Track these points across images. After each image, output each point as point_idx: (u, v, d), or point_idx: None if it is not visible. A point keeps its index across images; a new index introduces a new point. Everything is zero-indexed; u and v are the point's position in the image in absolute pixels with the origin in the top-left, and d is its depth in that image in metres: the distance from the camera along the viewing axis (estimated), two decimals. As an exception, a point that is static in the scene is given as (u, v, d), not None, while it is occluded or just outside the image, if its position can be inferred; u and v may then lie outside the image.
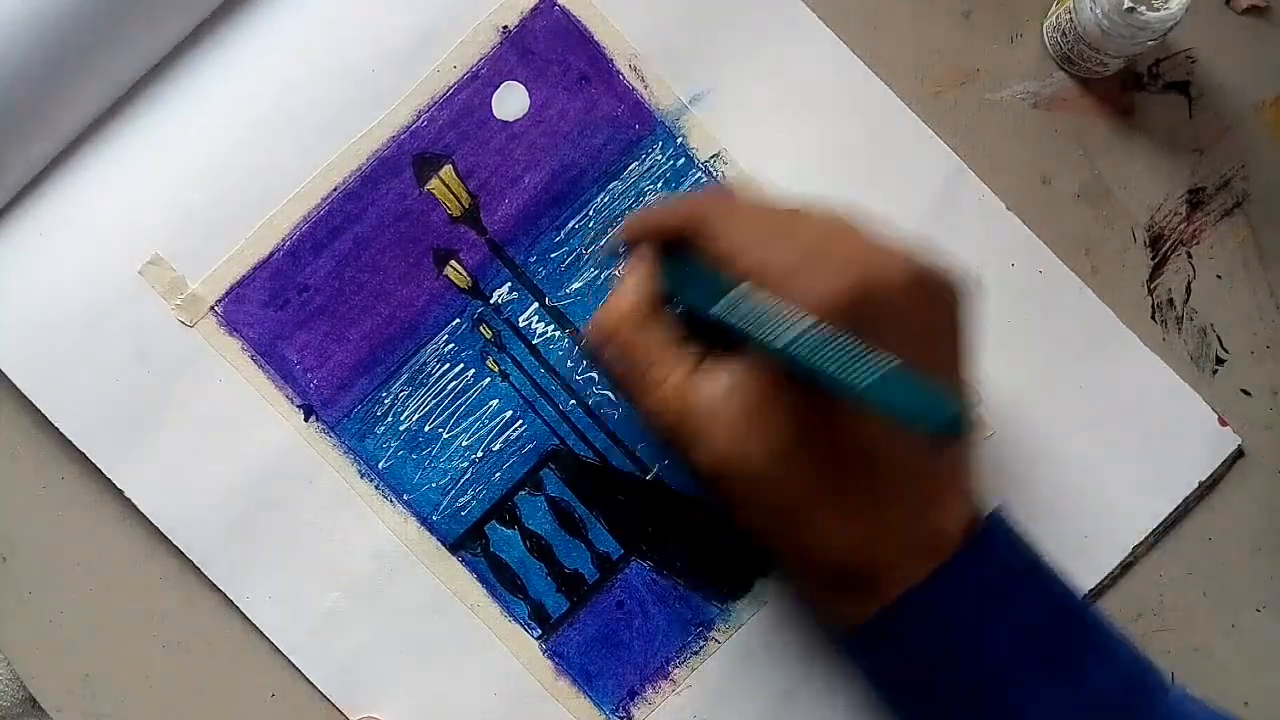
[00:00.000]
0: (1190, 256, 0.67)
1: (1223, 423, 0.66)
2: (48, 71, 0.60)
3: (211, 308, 0.65)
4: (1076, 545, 0.65)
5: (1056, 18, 0.66)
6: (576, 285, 0.66)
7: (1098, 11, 0.61)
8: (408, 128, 0.66)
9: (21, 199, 0.64)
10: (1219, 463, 0.66)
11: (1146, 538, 0.65)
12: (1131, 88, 0.67)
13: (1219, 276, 0.67)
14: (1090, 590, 0.65)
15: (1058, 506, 0.65)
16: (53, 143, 0.64)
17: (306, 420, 0.65)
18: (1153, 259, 0.67)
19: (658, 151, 0.66)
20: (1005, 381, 0.66)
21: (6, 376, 0.64)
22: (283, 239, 0.65)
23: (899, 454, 0.54)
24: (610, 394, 0.66)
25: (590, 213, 0.66)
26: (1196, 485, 0.66)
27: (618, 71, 0.66)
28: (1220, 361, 0.66)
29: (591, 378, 0.66)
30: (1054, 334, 0.66)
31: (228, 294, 0.65)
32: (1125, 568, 0.66)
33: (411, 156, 0.66)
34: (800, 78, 0.67)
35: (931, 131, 0.66)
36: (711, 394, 0.55)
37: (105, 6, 0.60)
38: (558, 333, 0.66)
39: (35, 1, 0.59)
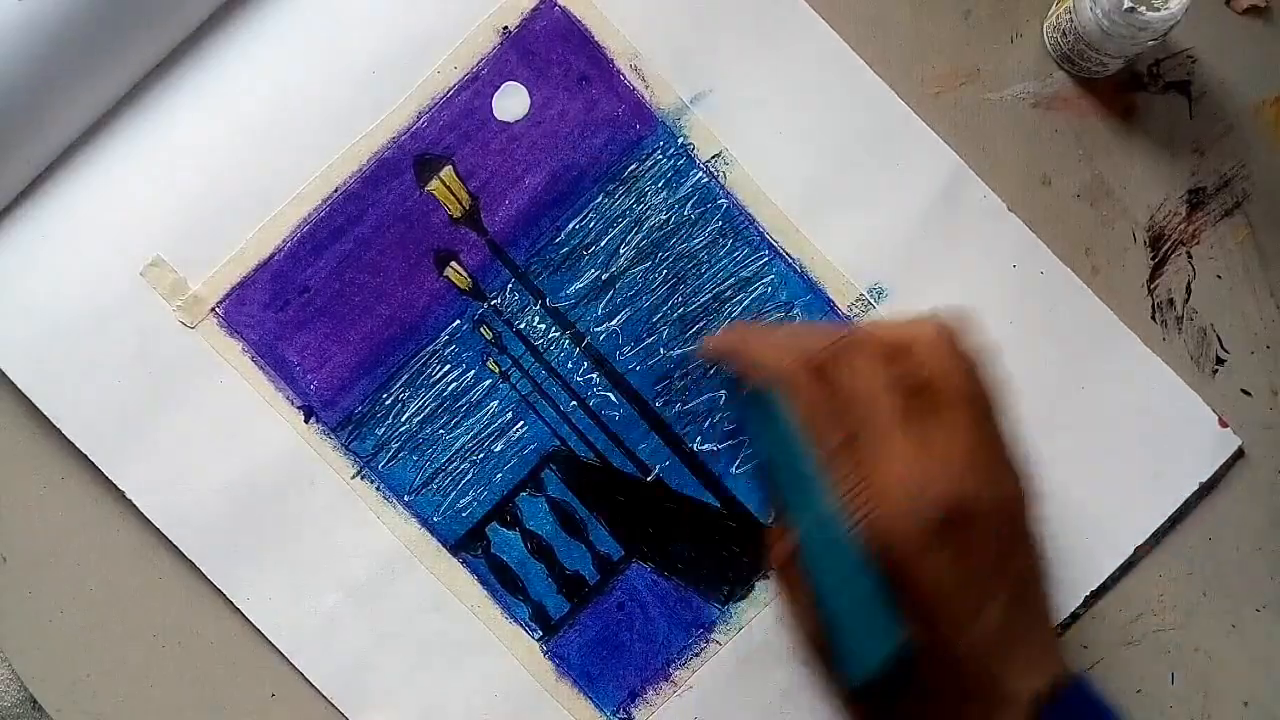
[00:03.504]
0: (1190, 256, 0.67)
1: (1223, 424, 0.66)
2: (47, 74, 0.60)
3: (212, 309, 0.65)
4: (1078, 546, 0.65)
5: (1056, 18, 0.66)
6: (577, 286, 0.66)
7: (1098, 11, 0.61)
8: (408, 129, 0.66)
9: (22, 201, 0.64)
10: (1219, 464, 0.66)
11: (1147, 539, 0.66)
12: (1132, 88, 0.67)
13: (1219, 276, 0.67)
14: (1091, 590, 0.65)
15: (1059, 507, 0.65)
16: (53, 145, 0.64)
17: (307, 421, 0.65)
18: (1153, 259, 0.67)
19: (658, 152, 0.66)
20: (1008, 381, 0.65)
21: (8, 377, 0.64)
22: (283, 240, 0.65)
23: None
24: (611, 395, 0.66)
25: (591, 214, 0.66)
26: (1197, 486, 0.66)
27: (618, 72, 0.66)
28: (1220, 361, 0.66)
29: (591, 379, 0.66)
30: (1055, 335, 0.66)
31: (229, 295, 0.65)
32: (1125, 568, 0.65)
33: (412, 158, 0.66)
34: (801, 77, 0.67)
35: (933, 131, 0.66)
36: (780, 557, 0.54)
37: (104, 10, 0.60)
38: (558, 334, 0.66)
39: (34, 6, 0.59)
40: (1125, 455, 0.66)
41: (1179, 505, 0.66)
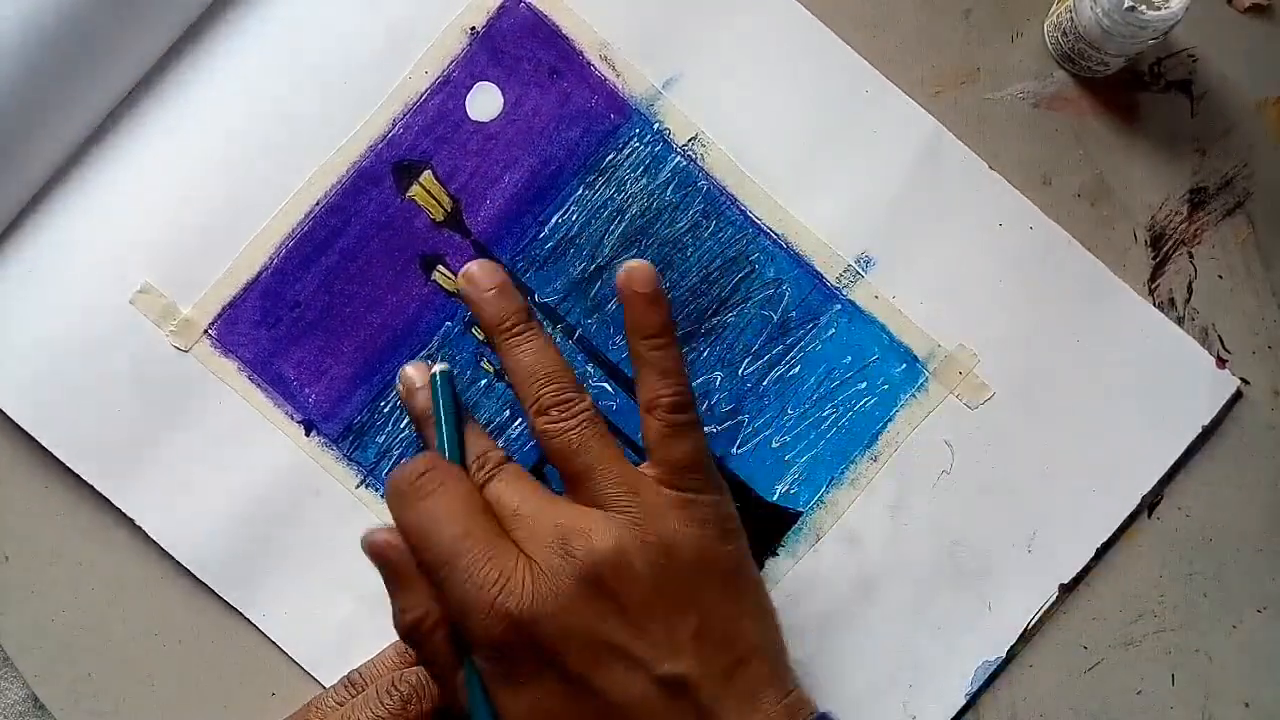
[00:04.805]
0: (1192, 256, 0.66)
1: (1220, 363, 0.66)
2: (19, 113, 0.60)
3: (205, 331, 0.65)
4: (1084, 500, 0.66)
5: (1057, 16, 0.65)
6: (564, 279, 0.66)
7: (1098, 10, 0.60)
8: (384, 137, 0.65)
9: (5, 238, 0.64)
10: (1220, 405, 0.66)
11: (1154, 486, 0.66)
12: (1133, 87, 0.66)
13: (1220, 276, 0.66)
14: (1101, 544, 0.66)
15: (1063, 459, 0.66)
16: (31, 181, 0.63)
17: (308, 435, 0.66)
18: (1154, 259, 0.66)
19: (635, 139, 0.66)
20: (1002, 340, 0.66)
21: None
22: (270, 257, 0.65)
23: None
24: (607, 385, 0.66)
25: (572, 207, 0.66)
26: (1200, 430, 0.66)
27: (588, 63, 0.66)
28: (1222, 361, 0.66)
29: (587, 371, 0.66)
30: (1046, 290, 0.66)
31: (220, 316, 0.65)
32: (1124, 567, 0.66)
33: (390, 165, 0.65)
34: (769, 52, 0.66)
35: (906, 94, 0.66)
36: None
37: (69, 44, 0.60)
38: (549, 328, 0.65)
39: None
40: (1125, 404, 0.66)
41: (1182, 453, 0.66)
